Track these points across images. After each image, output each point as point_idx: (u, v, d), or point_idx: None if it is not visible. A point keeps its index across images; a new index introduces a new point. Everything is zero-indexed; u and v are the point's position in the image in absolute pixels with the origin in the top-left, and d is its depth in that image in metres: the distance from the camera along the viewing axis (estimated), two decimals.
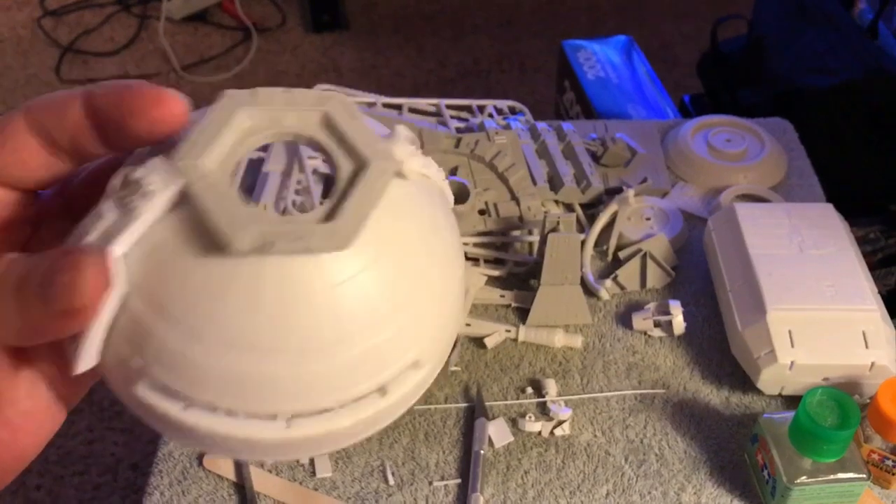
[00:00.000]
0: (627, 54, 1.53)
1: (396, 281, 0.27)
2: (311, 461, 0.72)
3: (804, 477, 0.64)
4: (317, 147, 0.28)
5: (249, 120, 0.27)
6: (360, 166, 0.27)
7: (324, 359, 0.26)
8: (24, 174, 0.28)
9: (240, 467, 0.71)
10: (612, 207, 0.88)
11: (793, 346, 0.72)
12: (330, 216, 0.26)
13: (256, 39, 2.50)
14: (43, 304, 0.25)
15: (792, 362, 0.71)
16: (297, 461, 0.72)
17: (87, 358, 0.26)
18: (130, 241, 0.26)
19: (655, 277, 0.85)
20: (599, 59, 1.51)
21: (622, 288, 0.85)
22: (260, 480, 0.70)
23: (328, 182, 0.29)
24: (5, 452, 0.29)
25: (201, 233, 0.25)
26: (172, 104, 0.27)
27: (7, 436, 0.29)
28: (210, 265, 0.25)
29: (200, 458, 0.72)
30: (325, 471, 0.71)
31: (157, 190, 0.25)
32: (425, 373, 0.29)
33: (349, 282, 0.26)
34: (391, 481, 0.71)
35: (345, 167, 0.27)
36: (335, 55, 2.47)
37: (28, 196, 0.30)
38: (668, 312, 0.81)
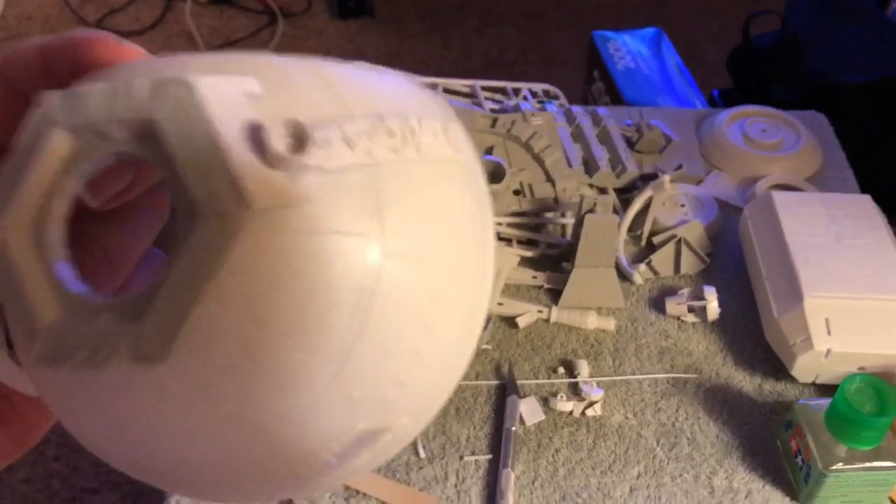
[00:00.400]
0: (657, 46, 1.53)
1: (285, 362, 0.20)
2: None
3: (840, 464, 0.64)
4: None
5: (67, 143, 0.21)
6: (193, 216, 0.19)
7: (206, 458, 0.21)
8: (6, 133, 0.26)
9: None
10: (646, 193, 0.87)
11: (829, 333, 0.71)
12: (145, 309, 0.19)
13: (282, 24, 2.50)
14: None
15: (828, 350, 0.71)
16: None
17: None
18: None
19: (689, 264, 0.85)
20: (629, 49, 1.51)
21: (655, 273, 0.85)
22: None
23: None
24: (18, 428, 0.29)
25: None
26: (128, 55, 0.23)
27: (11, 415, 0.28)
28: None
29: None
30: None
31: None
32: (392, 436, 0.22)
33: (202, 380, 0.19)
34: (422, 454, 0.71)
35: (182, 216, 0.19)
36: (360, 42, 2.48)
37: None
38: (701, 298, 0.80)
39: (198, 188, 0.18)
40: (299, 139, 0.19)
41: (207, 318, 0.18)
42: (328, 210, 0.19)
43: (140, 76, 0.20)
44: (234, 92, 0.19)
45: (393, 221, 0.20)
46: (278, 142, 0.19)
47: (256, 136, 0.19)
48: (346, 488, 0.68)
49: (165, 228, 0.28)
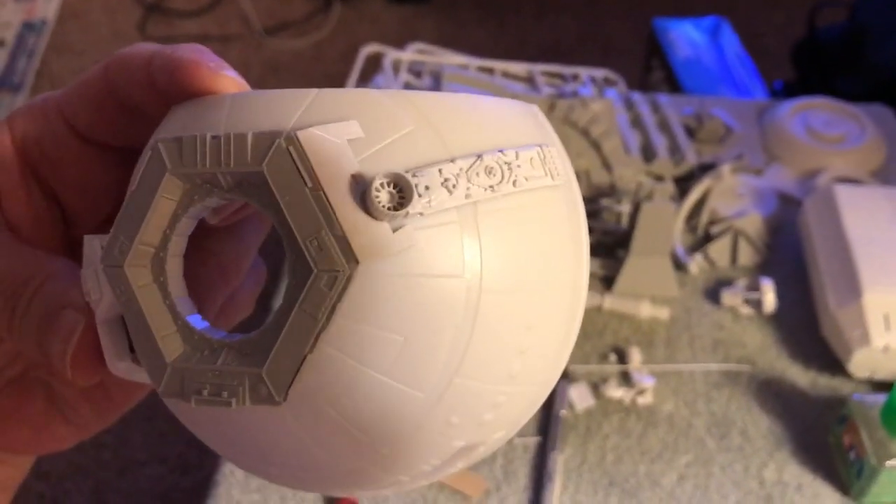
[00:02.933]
0: (716, 35, 1.51)
1: (386, 395, 0.21)
2: None
3: (894, 460, 0.63)
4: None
5: (181, 191, 0.22)
6: (303, 270, 0.20)
7: (321, 471, 0.23)
8: (111, 134, 0.27)
9: None
10: (705, 182, 0.87)
11: (888, 329, 0.70)
12: (263, 352, 0.21)
13: (338, 8, 2.51)
14: (44, 356, 0.25)
15: (886, 346, 0.70)
16: None
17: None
18: (108, 318, 0.24)
19: (746, 255, 0.84)
20: (690, 39, 1.49)
21: (711, 263, 0.84)
22: None
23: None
24: (99, 406, 0.30)
25: None
26: (224, 86, 0.24)
27: (100, 395, 0.30)
28: None
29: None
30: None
31: (97, 300, 0.23)
32: (486, 447, 0.25)
33: (322, 411, 0.21)
34: None
35: (291, 268, 0.21)
36: (415, 27, 2.48)
37: (121, 156, 0.28)
38: (758, 290, 0.79)
39: (309, 244, 0.20)
40: (402, 191, 0.20)
41: (321, 362, 0.20)
42: (430, 254, 0.21)
43: (246, 121, 0.21)
44: (338, 141, 0.20)
45: (490, 259, 0.21)
46: (383, 195, 0.20)
47: (361, 191, 0.20)
48: None
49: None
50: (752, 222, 0.84)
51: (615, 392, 0.74)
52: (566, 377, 0.74)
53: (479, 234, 0.21)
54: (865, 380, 0.74)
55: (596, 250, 0.85)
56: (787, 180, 0.93)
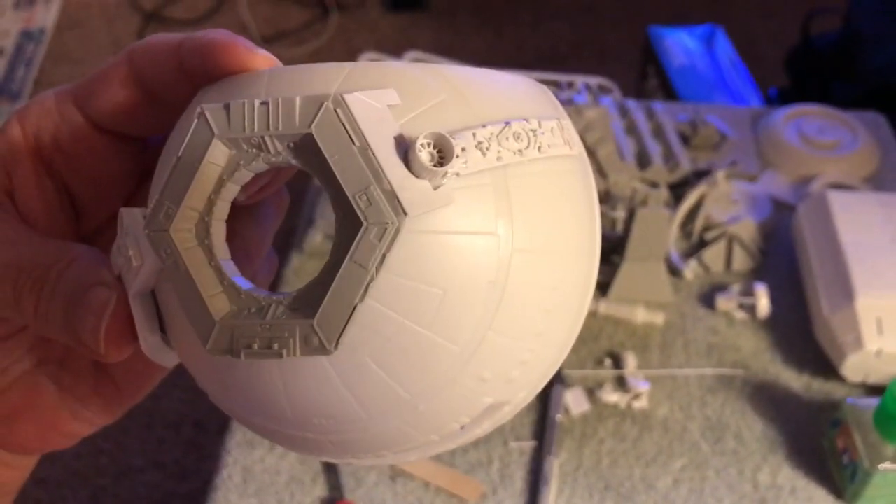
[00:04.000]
0: (710, 43, 1.52)
1: (427, 348, 0.22)
2: None
3: (887, 463, 0.64)
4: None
5: (227, 156, 0.23)
6: (352, 224, 0.21)
7: (357, 431, 0.24)
8: (129, 122, 0.28)
9: None
10: (700, 188, 0.87)
11: (881, 333, 0.71)
12: (311, 305, 0.22)
13: (335, 16, 2.52)
14: (71, 336, 0.25)
15: (879, 350, 0.70)
16: None
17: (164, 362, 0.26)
18: (144, 290, 0.24)
19: (741, 261, 0.85)
20: (685, 47, 1.50)
21: (706, 269, 0.85)
22: None
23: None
24: (109, 401, 0.30)
25: None
26: (257, 63, 0.25)
27: (111, 388, 0.30)
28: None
29: None
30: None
31: (138, 266, 0.24)
32: (510, 407, 0.25)
33: (364, 364, 0.22)
34: None
35: (339, 222, 0.22)
36: (413, 35, 2.49)
37: (134, 147, 0.29)
38: (752, 295, 0.80)
39: (358, 199, 0.21)
40: (442, 150, 0.21)
41: (368, 314, 0.21)
42: (466, 212, 0.22)
43: (287, 91, 0.22)
44: (380, 106, 0.21)
45: (520, 219, 0.22)
46: (424, 154, 0.21)
47: (405, 150, 0.21)
48: (392, 468, 0.69)
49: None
50: (747, 228, 0.85)
51: (610, 396, 0.74)
52: (562, 382, 0.75)
53: (509, 195, 0.22)
54: (859, 384, 0.75)
55: None
56: (781, 186, 0.93)
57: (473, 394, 0.23)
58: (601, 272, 0.83)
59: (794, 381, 0.76)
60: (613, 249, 0.85)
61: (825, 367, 0.75)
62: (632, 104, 0.96)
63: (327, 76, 0.22)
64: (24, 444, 0.30)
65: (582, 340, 0.79)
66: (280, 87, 0.23)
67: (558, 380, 0.75)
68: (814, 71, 1.45)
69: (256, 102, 0.22)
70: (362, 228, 0.21)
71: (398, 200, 0.21)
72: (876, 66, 1.29)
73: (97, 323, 0.24)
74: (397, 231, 0.21)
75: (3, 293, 0.25)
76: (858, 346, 0.71)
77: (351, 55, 2.40)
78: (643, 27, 1.62)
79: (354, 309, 0.21)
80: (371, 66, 0.23)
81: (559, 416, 0.72)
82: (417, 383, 0.22)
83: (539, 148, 0.23)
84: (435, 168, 0.21)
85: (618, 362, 0.77)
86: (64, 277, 0.25)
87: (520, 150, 0.23)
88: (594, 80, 1.02)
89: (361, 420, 0.23)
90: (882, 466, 0.64)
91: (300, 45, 2.45)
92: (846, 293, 0.73)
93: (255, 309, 0.22)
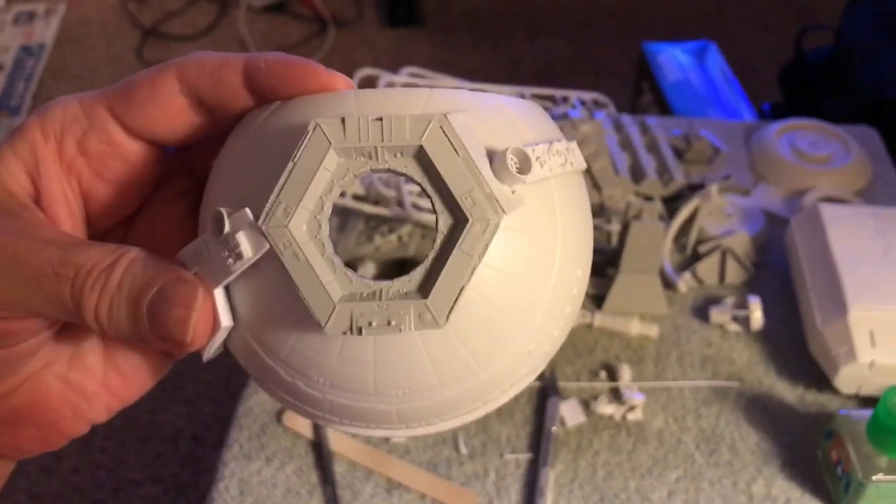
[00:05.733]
0: (701, 57, 1.53)
1: (500, 324, 0.27)
2: None
3: (880, 474, 0.64)
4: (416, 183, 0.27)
5: (337, 164, 0.26)
6: (458, 221, 0.26)
7: (427, 399, 0.28)
8: (168, 131, 0.29)
9: (318, 426, 0.73)
10: (693, 202, 0.88)
11: (873, 345, 0.71)
12: (423, 288, 0.25)
13: (333, 32, 2.54)
14: (152, 328, 0.26)
15: (872, 361, 0.71)
16: None
17: (207, 353, 0.29)
18: (232, 283, 0.27)
19: (734, 273, 0.85)
20: (679, 62, 1.51)
21: (700, 281, 0.85)
22: (337, 440, 0.72)
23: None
24: (113, 396, 0.31)
25: (297, 298, 0.26)
26: (339, 85, 0.28)
27: (118, 382, 0.31)
28: (310, 328, 0.27)
29: (279, 415, 0.74)
30: (399, 436, 0.73)
31: (246, 254, 0.26)
32: (532, 376, 0.30)
33: (449, 340, 0.27)
34: (463, 450, 0.72)
35: (443, 218, 0.26)
36: (410, 50, 2.50)
37: (158, 153, 0.30)
38: (745, 308, 0.81)
39: (464, 199, 0.25)
40: (519, 162, 0.26)
41: (468, 297, 0.25)
42: (532, 212, 0.27)
43: (378, 110, 0.26)
44: (470, 125, 0.26)
45: (561, 219, 0.28)
46: (511, 165, 0.26)
47: (496, 161, 0.26)
48: (389, 481, 0.70)
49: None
50: (740, 241, 0.86)
51: (606, 408, 0.75)
52: (557, 394, 0.75)
53: (554, 200, 0.27)
54: (852, 395, 0.75)
55: None
56: (774, 200, 0.94)
57: (519, 364, 0.28)
58: (596, 285, 0.84)
59: (788, 392, 0.77)
60: (608, 262, 0.85)
61: (818, 378, 0.76)
62: (626, 119, 0.97)
63: (412, 98, 0.27)
64: (25, 448, 0.30)
65: (577, 353, 0.80)
66: (370, 107, 0.27)
67: (554, 391, 0.75)
68: (806, 86, 1.46)
69: (370, 118, 0.25)
70: (468, 224, 0.25)
71: (497, 201, 0.25)
72: (868, 82, 1.30)
73: (187, 314, 0.26)
74: (497, 226, 0.25)
75: (58, 291, 0.26)
76: (851, 358, 0.71)
77: (348, 70, 2.39)
78: (638, 43, 1.64)
79: (462, 290, 0.25)
80: (444, 93, 0.27)
81: (555, 428, 0.73)
82: (484, 355, 0.27)
83: (571, 163, 0.28)
84: (518, 175, 0.25)
85: (613, 374, 0.78)
86: (129, 274, 0.26)
87: (560, 165, 0.28)
88: (589, 96, 1.03)
89: (434, 388, 0.27)
90: (876, 478, 0.64)
91: None
92: (839, 306, 0.74)
93: (367, 293, 0.26)
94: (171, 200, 0.32)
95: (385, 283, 0.26)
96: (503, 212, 0.25)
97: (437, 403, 0.28)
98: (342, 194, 0.81)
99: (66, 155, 0.28)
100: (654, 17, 2.59)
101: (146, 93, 0.28)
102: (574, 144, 0.29)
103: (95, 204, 0.30)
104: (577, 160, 0.29)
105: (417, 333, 0.26)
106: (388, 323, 0.25)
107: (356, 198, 0.83)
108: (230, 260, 0.26)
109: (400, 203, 0.81)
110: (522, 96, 1.00)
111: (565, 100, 1.02)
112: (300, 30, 2.58)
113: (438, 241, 0.25)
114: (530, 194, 0.26)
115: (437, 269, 0.25)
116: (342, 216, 0.88)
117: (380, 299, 0.25)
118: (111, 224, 0.31)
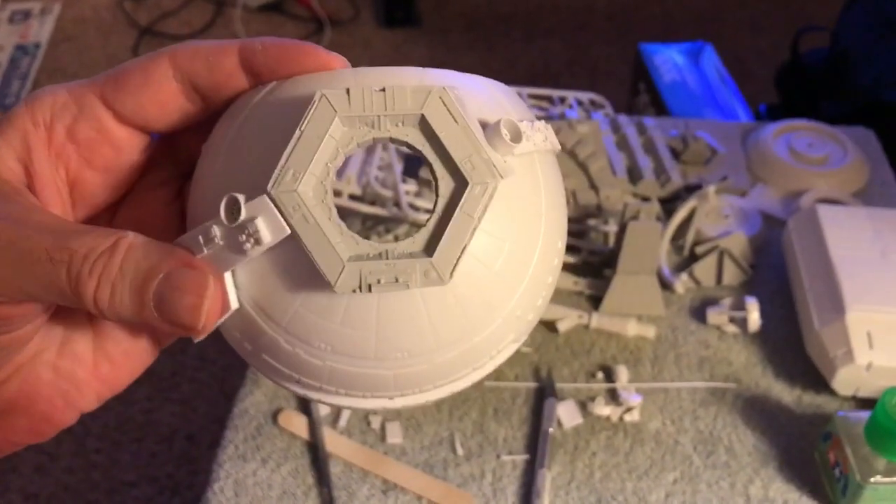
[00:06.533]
0: (697, 58, 1.53)
1: (493, 288, 0.28)
2: (383, 426, 0.73)
3: (878, 476, 0.64)
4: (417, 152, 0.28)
5: (342, 132, 0.27)
6: (459, 185, 0.27)
7: (424, 362, 0.29)
8: (158, 117, 0.29)
9: (313, 427, 0.72)
10: (690, 203, 0.88)
11: (871, 347, 0.71)
12: (428, 248, 0.27)
13: (329, 32, 2.54)
14: (160, 314, 0.26)
15: (869, 363, 0.71)
16: (368, 425, 0.73)
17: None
18: (242, 266, 0.28)
19: (732, 275, 0.85)
20: (676, 63, 1.51)
21: (697, 283, 0.85)
22: (332, 441, 0.71)
23: (409, 160, 0.30)
24: (103, 384, 0.31)
25: (305, 263, 0.27)
26: (336, 64, 0.29)
27: (107, 369, 0.31)
28: (315, 292, 0.28)
29: (275, 415, 0.74)
30: (395, 437, 0.72)
31: (265, 239, 0.26)
32: (519, 344, 0.31)
33: (448, 301, 0.28)
34: (459, 452, 0.72)
35: (444, 183, 0.27)
36: (406, 51, 2.50)
37: (146, 140, 0.30)
38: (743, 309, 0.81)
39: (463, 163, 0.26)
40: (514, 133, 0.27)
41: (468, 256, 0.27)
42: (520, 182, 0.28)
43: (377, 84, 0.27)
44: (464, 98, 0.27)
45: (545, 191, 0.29)
46: (505, 135, 0.27)
47: (489, 131, 0.27)
48: (385, 482, 0.69)
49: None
50: (737, 242, 0.85)
51: (603, 410, 0.74)
52: (554, 395, 0.75)
53: (539, 173, 0.29)
54: (849, 397, 0.75)
55: (583, 270, 0.86)
56: (771, 201, 0.94)
57: (508, 329, 0.29)
58: (593, 286, 0.84)
59: (786, 394, 0.77)
60: (605, 263, 0.85)
61: (816, 380, 0.76)
62: (623, 119, 0.96)
63: (409, 75, 0.28)
64: (15, 439, 0.30)
65: (574, 354, 0.79)
66: (369, 82, 0.27)
67: (551, 393, 0.75)
68: (803, 88, 1.46)
69: (374, 89, 0.26)
70: (469, 186, 0.26)
71: (494, 166, 0.26)
72: (864, 83, 1.30)
73: (198, 301, 0.26)
74: (495, 189, 0.26)
75: (54, 276, 0.26)
76: (849, 360, 0.71)
77: None
78: (634, 44, 1.64)
79: (464, 248, 0.26)
80: (436, 71, 0.29)
81: (551, 430, 0.72)
82: (479, 317, 0.28)
83: (549, 140, 0.30)
84: (510, 144, 0.27)
85: (610, 376, 0.78)
86: (130, 259, 0.26)
87: (542, 141, 0.29)
88: (586, 96, 1.03)
89: (432, 351, 0.28)
90: (873, 480, 0.64)
91: None
92: (836, 307, 0.73)
93: (374, 254, 0.27)
94: (155, 187, 0.32)
95: (391, 245, 0.27)
96: (500, 176, 0.26)
97: (433, 367, 0.29)
98: (339, 194, 0.81)
99: (56, 142, 0.29)
100: (651, 19, 2.59)
101: (139, 79, 0.28)
102: (548, 125, 0.31)
103: (82, 191, 0.30)
104: (553, 140, 0.31)
105: (420, 295, 0.27)
106: (396, 280, 0.26)
107: (353, 198, 0.82)
108: (247, 245, 0.26)
109: (396, 203, 0.81)
110: (520, 96, 1.00)
111: (562, 100, 1.02)
112: (296, 30, 2.58)
113: (441, 205, 0.27)
114: (518, 166, 0.28)
115: (440, 230, 0.26)
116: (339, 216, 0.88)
117: (387, 259, 0.26)
118: (96, 211, 0.31)
